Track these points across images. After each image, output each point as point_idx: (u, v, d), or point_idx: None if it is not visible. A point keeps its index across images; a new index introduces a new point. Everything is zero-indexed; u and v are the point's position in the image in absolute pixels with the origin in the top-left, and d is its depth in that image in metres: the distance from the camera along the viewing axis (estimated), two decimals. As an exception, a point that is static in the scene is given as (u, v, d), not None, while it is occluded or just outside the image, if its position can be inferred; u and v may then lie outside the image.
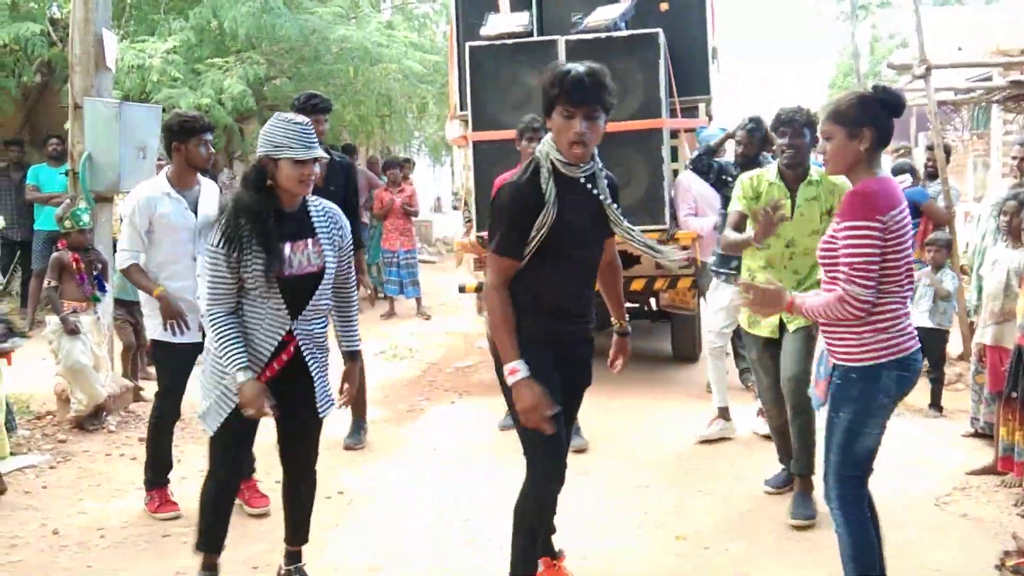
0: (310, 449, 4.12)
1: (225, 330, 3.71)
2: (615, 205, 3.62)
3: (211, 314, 3.75)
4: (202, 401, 3.89)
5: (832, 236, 3.47)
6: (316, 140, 3.79)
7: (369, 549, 4.66)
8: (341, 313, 4.13)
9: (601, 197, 3.59)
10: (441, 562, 4.45)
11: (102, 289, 6.75)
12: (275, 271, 3.71)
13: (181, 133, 5.00)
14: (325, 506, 5.21)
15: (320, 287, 3.87)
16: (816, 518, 4.82)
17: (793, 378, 4.87)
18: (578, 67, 3.39)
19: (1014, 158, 6.90)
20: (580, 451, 5.94)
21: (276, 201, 3.76)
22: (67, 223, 6.47)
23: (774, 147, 5.31)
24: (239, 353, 3.68)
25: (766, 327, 5.01)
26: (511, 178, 3.63)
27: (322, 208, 3.94)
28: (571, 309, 3.67)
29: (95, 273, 6.67)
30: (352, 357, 4.18)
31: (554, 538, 4.16)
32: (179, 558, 4.54)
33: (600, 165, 3.61)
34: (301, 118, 3.82)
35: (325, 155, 4.03)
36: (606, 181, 3.63)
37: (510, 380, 3.41)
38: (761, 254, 5.00)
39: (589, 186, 3.58)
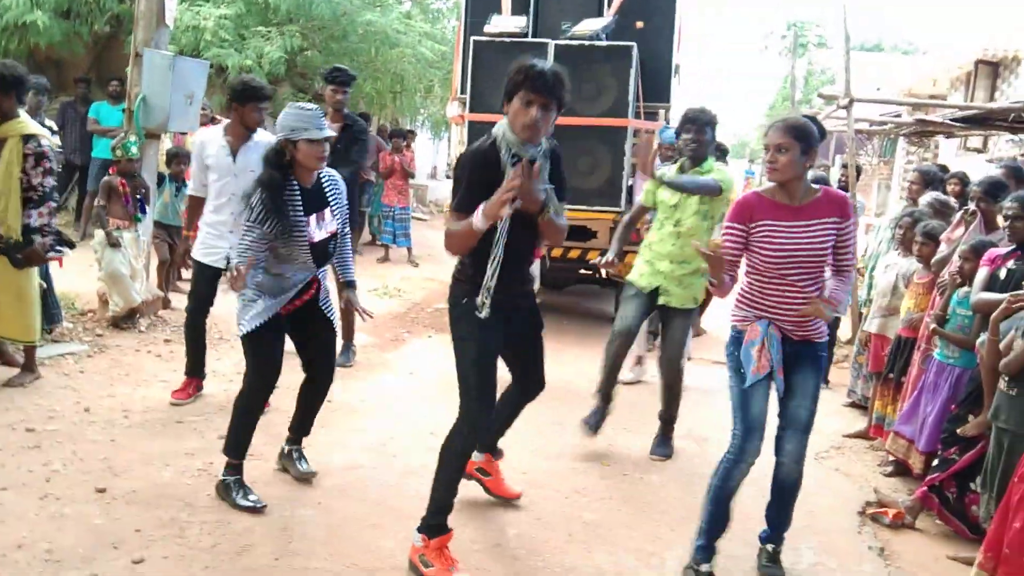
0: (331, 358, 4.21)
1: (244, 255, 3.68)
2: (552, 186, 3.42)
3: (240, 254, 3.72)
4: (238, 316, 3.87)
5: (822, 234, 3.43)
6: (325, 123, 3.78)
7: (350, 449, 4.64)
8: (341, 253, 4.11)
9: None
10: (410, 463, 4.45)
11: (143, 211, 6.64)
12: (306, 238, 3.78)
13: (241, 97, 4.92)
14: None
15: (335, 243, 3.97)
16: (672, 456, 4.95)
17: (676, 358, 4.95)
18: (544, 64, 3.26)
19: (910, 183, 6.91)
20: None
21: (293, 178, 3.77)
22: (119, 152, 6.43)
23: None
24: (242, 261, 3.65)
25: (644, 281, 4.94)
26: (473, 144, 3.47)
27: (328, 178, 3.97)
28: (517, 272, 3.51)
29: (138, 197, 6.57)
30: (350, 286, 4.20)
31: (501, 443, 4.16)
32: (190, 440, 4.52)
33: (544, 148, 3.39)
34: (311, 106, 3.80)
35: (335, 134, 4.08)
36: (549, 162, 3.44)
37: (477, 221, 3.14)
38: (657, 232, 4.97)
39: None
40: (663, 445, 5.01)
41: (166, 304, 7.24)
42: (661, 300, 4.91)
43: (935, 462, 4.44)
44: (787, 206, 3.46)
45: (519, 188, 3.08)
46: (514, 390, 3.88)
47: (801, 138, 3.39)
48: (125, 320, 6.49)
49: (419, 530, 3.44)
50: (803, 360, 3.54)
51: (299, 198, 3.77)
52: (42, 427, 4.48)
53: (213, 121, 9.12)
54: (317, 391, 4.18)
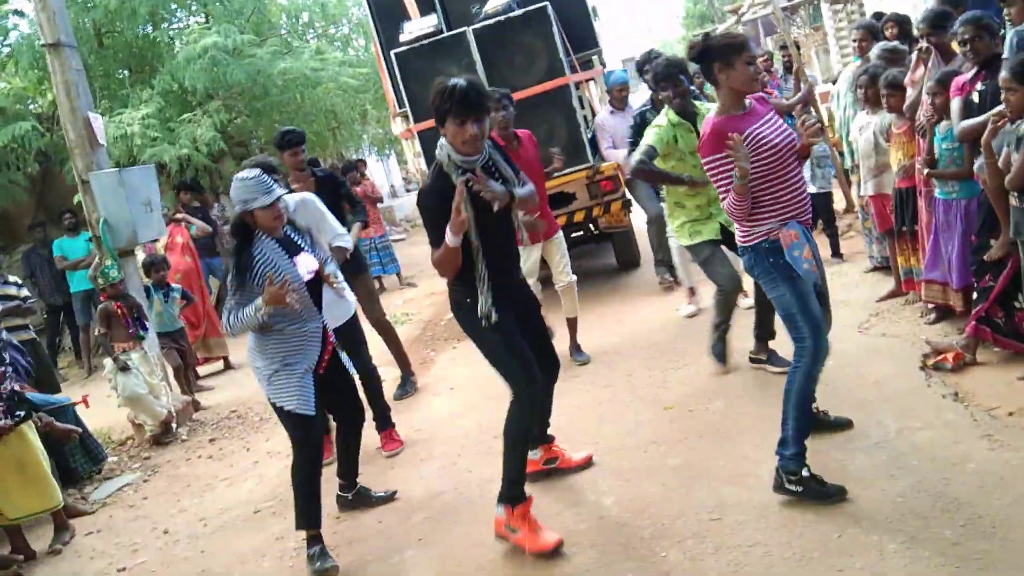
0: (355, 398, 4.32)
1: (240, 314, 3.78)
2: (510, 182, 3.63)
3: (228, 315, 3.83)
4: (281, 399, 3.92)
5: (781, 122, 3.62)
6: (273, 185, 3.87)
7: (426, 479, 4.66)
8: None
9: (500, 175, 3.60)
10: (485, 473, 4.41)
11: (144, 328, 6.70)
12: (299, 279, 3.88)
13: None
14: (377, 456, 5.19)
15: (322, 285, 4.08)
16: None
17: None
18: (460, 81, 3.36)
19: (855, 41, 6.91)
20: (584, 364, 5.97)
21: (264, 235, 3.88)
22: (100, 281, 6.46)
23: (661, 96, 5.13)
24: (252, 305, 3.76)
25: (710, 233, 4.99)
26: (423, 185, 3.66)
27: (293, 229, 4.07)
28: (507, 264, 3.73)
29: (136, 316, 6.61)
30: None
31: (558, 433, 4.31)
32: (274, 526, 4.55)
33: (491, 145, 3.62)
34: (254, 172, 3.88)
35: (286, 191, 4.16)
36: (498, 153, 3.66)
37: (449, 238, 3.37)
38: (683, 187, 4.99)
39: (491, 163, 3.59)
40: (774, 358, 4.95)
41: (197, 407, 7.27)
42: (733, 229, 4.92)
43: (974, 295, 4.50)
44: (746, 114, 3.55)
45: (488, 195, 3.35)
46: None
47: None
48: (164, 436, 6.51)
49: (499, 503, 3.63)
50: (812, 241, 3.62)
51: (278, 247, 3.88)
52: (131, 563, 4.51)
53: (175, 222, 9.13)
54: (352, 433, 4.35)
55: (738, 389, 4.86)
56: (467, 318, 3.64)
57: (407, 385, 6.36)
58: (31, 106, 11.41)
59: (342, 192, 5.90)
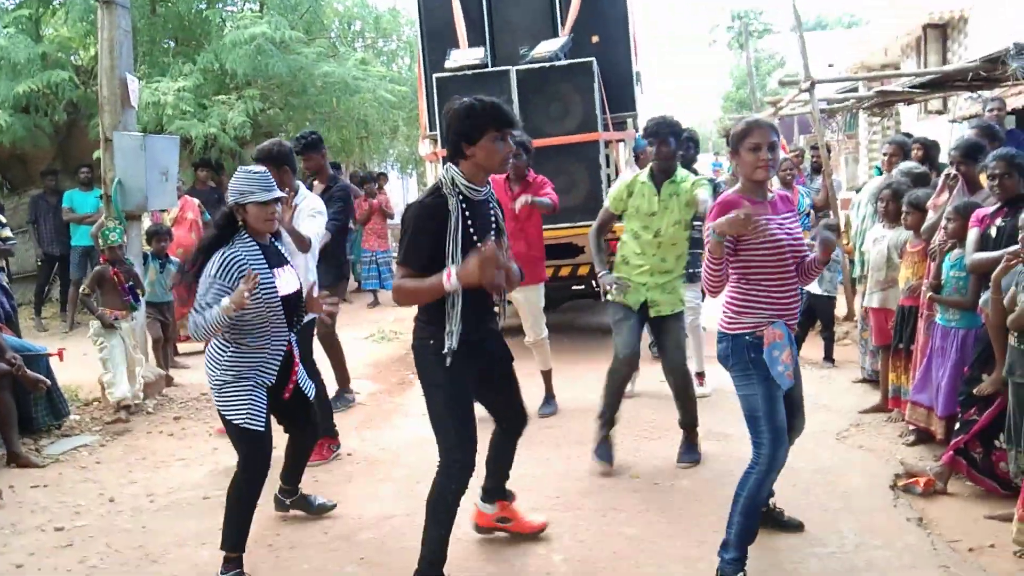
0: (311, 415, 4.13)
1: (206, 315, 3.54)
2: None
3: (195, 316, 3.61)
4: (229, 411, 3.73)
5: (797, 224, 3.63)
6: (275, 185, 3.75)
7: (380, 499, 4.64)
8: None
9: (493, 217, 3.44)
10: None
11: (136, 300, 6.61)
12: (276, 291, 3.69)
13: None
14: (337, 466, 5.19)
15: (302, 302, 3.92)
16: (700, 461, 4.92)
17: (680, 362, 4.93)
18: (487, 98, 3.25)
19: (885, 154, 7.00)
20: (548, 415, 5.96)
21: (249, 237, 3.70)
22: (100, 241, 6.41)
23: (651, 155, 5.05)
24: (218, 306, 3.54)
25: (631, 300, 4.89)
26: (417, 199, 3.43)
27: (281, 244, 3.96)
28: (483, 308, 3.42)
29: (131, 285, 6.53)
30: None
31: (520, 482, 4.13)
32: (219, 517, 4.42)
33: (489, 188, 3.42)
34: (261, 168, 3.78)
35: (284, 195, 4.04)
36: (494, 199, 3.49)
37: (449, 284, 3.11)
38: (634, 244, 4.92)
39: (490, 204, 3.44)
40: (690, 451, 4.98)
41: (169, 382, 7.21)
42: (652, 312, 4.90)
43: (956, 425, 4.48)
44: (763, 202, 3.55)
45: (493, 265, 3.08)
46: (498, 431, 3.81)
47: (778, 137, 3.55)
48: (116, 415, 6.27)
49: None
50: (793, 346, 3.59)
51: (260, 254, 3.70)
52: (71, 524, 4.44)
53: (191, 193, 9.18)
54: (304, 443, 4.23)
55: (708, 472, 4.82)
56: (424, 359, 3.39)
57: (340, 400, 6.36)
58: (72, 57, 11.51)
59: (333, 195, 5.84)
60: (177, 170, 7.23)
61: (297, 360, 3.93)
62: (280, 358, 3.80)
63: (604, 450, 4.90)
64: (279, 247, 3.91)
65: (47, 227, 10.25)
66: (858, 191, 8.19)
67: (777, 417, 3.40)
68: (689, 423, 5.01)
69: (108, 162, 6.76)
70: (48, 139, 11.45)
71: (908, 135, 8.23)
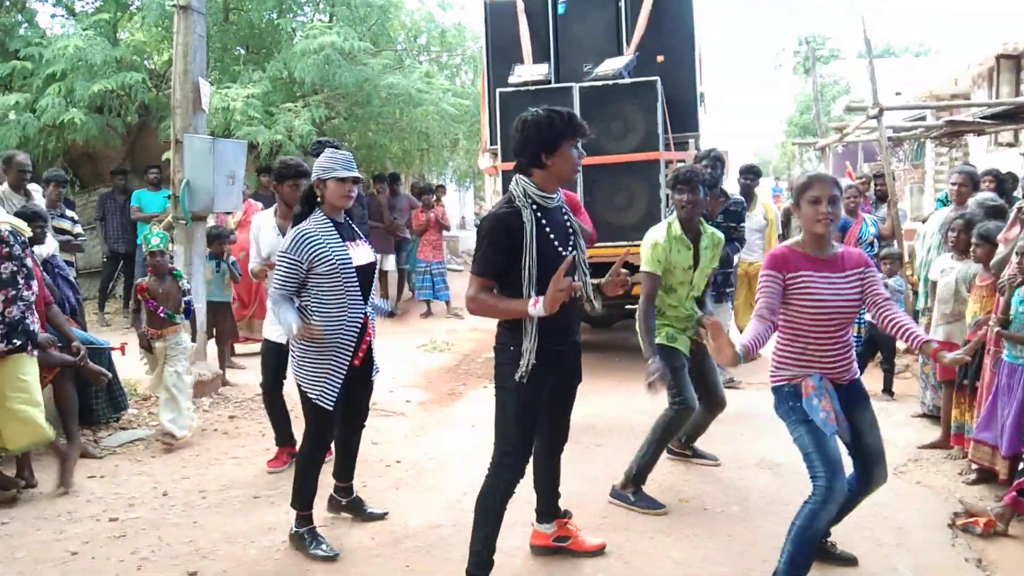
0: (365, 405, 4.41)
1: (285, 304, 3.93)
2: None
3: (276, 297, 3.96)
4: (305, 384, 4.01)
5: (856, 285, 3.52)
6: (355, 165, 4.07)
7: (427, 508, 4.64)
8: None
9: (570, 223, 3.50)
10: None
11: (187, 314, 5.94)
12: (350, 262, 3.96)
13: (277, 176, 5.26)
14: (386, 473, 5.22)
15: (374, 273, 4.17)
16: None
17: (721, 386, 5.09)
18: (561, 108, 3.39)
19: (953, 184, 6.84)
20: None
21: (325, 216, 4.02)
22: (144, 244, 5.81)
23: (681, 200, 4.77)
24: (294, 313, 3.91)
25: (684, 345, 4.81)
26: (492, 210, 3.45)
27: (356, 223, 4.29)
28: (566, 320, 3.42)
29: (182, 299, 5.83)
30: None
31: (568, 501, 4.11)
32: (268, 515, 4.54)
33: (560, 195, 3.48)
34: (345, 151, 4.09)
35: (363, 177, 4.34)
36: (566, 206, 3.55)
37: (534, 310, 3.17)
38: (668, 297, 4.74)
39: (563, 210, 3.48)
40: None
41: (224, 381, 7.33)
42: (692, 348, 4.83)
43: (1021, 466, 4.35)
44: (820, 259, 3.52)
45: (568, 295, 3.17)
46: (540, 447, 3.77)
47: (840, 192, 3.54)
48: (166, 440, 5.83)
49: None
50: (858, 397, 3.61)
51: (333, 229, 4.00)
52: (124, 515, 4.54)
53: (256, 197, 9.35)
54: (352, 432, 4.41)
55: (760, 500, 4.74)
56: (502, 361, 3.44)
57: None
58: (145, 60, 11.84)
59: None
60: (243, 174, 7.37)
61: (371, 331, 4.12)
62: (357, 329, 4.02)
63: (649, 499, 4.66)
64: (352, 225, 4.16)
65: (114, 225, 10.52)
66: (924, 221, 8.01)
67: (827, 450, 3.38)
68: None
69: (177, 163, 6.92)
70: (119, 139, 11.77)
71: (972, 166, 8.05)
